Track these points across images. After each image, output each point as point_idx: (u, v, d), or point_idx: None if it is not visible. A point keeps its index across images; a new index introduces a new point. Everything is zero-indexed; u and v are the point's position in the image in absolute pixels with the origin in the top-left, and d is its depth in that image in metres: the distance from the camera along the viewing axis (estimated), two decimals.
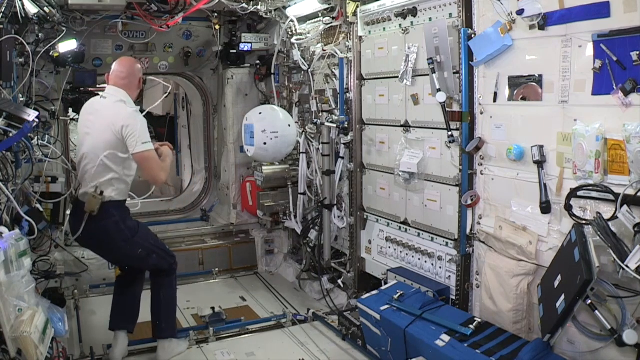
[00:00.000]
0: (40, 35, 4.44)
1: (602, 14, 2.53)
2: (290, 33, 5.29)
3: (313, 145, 4.91)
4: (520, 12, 2.88)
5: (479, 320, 3.11)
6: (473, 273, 3.53)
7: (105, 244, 3.73)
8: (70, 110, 5.48)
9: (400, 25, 3.92)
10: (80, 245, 3.95)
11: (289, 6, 5.11)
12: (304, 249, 5.32)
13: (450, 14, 3.45)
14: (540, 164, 2.90)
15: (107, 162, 3.51)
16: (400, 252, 4.12)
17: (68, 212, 4.36)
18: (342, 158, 4.68)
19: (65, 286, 4.99)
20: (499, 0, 3.05)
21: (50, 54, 4.72)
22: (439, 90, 3.43)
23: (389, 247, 4.25)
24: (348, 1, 4.33)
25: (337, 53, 4.55)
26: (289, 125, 4.75)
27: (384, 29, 4.13)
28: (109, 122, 3.47)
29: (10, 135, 2.86)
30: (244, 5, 4.97)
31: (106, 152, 3.50)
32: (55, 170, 4.67)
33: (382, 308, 3.45)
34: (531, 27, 2.90)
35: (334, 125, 4.57)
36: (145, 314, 4.02)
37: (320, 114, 4.73)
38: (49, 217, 4.51)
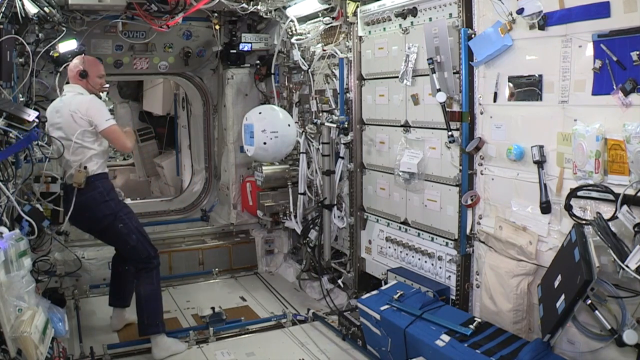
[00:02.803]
0: (40, 35, 4.44)
1: (602, 14, 2.53)
2: (290, 33, 5.29)
3: (313, 145, 4.91)
4: (520, 11, 2.87)
5: (479, 320, 3.11)
6: (473, 273, 3.53)
7: (92, 216, 4.02)
8: None
9: (400, 25, 3.92)
10: (72, 224, 4.28)
11: (289, 6, 5.11)
12: (304, 249, 5.32)
13: (450, 14, 3.45)
14: (540, 164, 2.90)
15: (83, 143, 3.93)
16: (400, 252, 4.12)
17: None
18: (342, 158, 4.68)
19: (65, 286, 4.99)
20: (500, 0, 3.05)
21: (50, 54, 4.71)
22: (439, 90, 3.43)
23: (389, 247, 4.25)
24: (348, 1, 4.33)
25: (337, 53, 4.55)
26: (289, 125, 4.75)
27: (384, 29, 4.13)
28: (74, 110, 3.89)
29: (11, 135, 2.86)
30: (244, 5, 4.96)
31: (80, 136, 3.91)
32: (55, 170, 4.66)
33: (382, 308, 3.45)
34: (531, 27, 2.90)
35: (334, 125, 4.57)
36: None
37: (320, 114, 4.73)
38: (49, 217, 4.51)
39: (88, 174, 3.92)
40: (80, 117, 3.87)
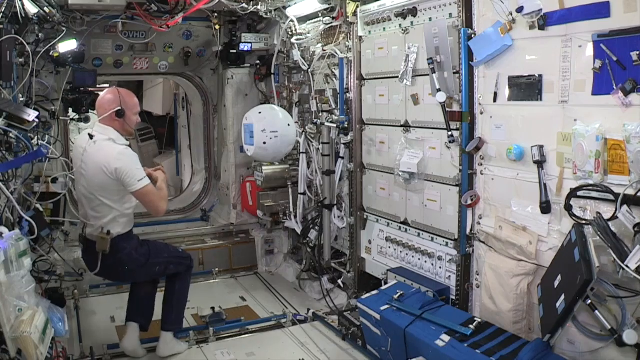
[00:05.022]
0: (40, 35, 4.43)
1: (602, 14, 2.53)
2: (290, 33, 5.29)
3: (313, 145, 4.91)
4: (520, 10, 2.88)
5: (479, 320, 3.11)
6: (473, 273, 3.53)
7: (124, 274, 3.92)
8: (70, 110, 5.49)
9: (400, 25, 3.92)
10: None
11: (289, 6, 5.11)
12: (304, 249, 5.32)
13: (450, 14, 3.45)
14: (540, 164, 2.90)
15: (106, 201, 3.58)
16: (400, 252, 4.12)
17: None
18: (342, 158, 4.68)
19: (65, 286, 4.99)
20: (500, 0, 3.05)
21: (50, 54, 4.71)
22: (439, 90, 3.43)
23: (389, 247, 4.25)
24: (348, 1, 4.33)
25: (337, 53, 4.55)
26: (289, 125, 4.75)
27: (384, 29, 4.13)
28: (101, 164, 3.49)
29: (11, 135, 2.86)
30: (244, 5, 4.96)
31: (103, 193, 3.56)
32: (55, 170, 4.67)
33: (382, 308, 3.45)
34: (531, 26, 2.90)
35: (334, 125, 4.57)
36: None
37: (320, 114, 4.73)
38: (49, 216, 4.51)
39: (112, 237, 3.57)
40: (108, 175, 3.47)
